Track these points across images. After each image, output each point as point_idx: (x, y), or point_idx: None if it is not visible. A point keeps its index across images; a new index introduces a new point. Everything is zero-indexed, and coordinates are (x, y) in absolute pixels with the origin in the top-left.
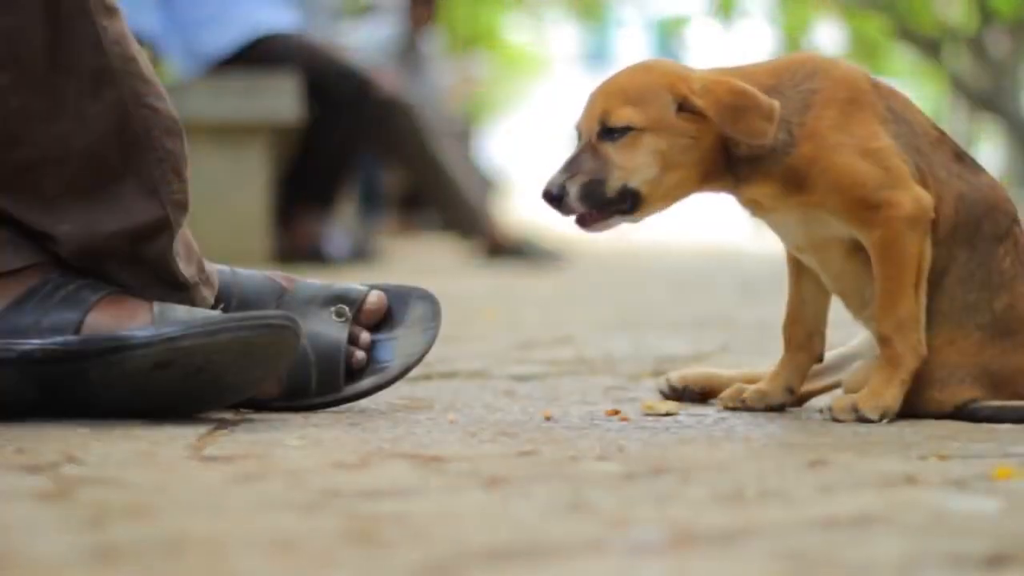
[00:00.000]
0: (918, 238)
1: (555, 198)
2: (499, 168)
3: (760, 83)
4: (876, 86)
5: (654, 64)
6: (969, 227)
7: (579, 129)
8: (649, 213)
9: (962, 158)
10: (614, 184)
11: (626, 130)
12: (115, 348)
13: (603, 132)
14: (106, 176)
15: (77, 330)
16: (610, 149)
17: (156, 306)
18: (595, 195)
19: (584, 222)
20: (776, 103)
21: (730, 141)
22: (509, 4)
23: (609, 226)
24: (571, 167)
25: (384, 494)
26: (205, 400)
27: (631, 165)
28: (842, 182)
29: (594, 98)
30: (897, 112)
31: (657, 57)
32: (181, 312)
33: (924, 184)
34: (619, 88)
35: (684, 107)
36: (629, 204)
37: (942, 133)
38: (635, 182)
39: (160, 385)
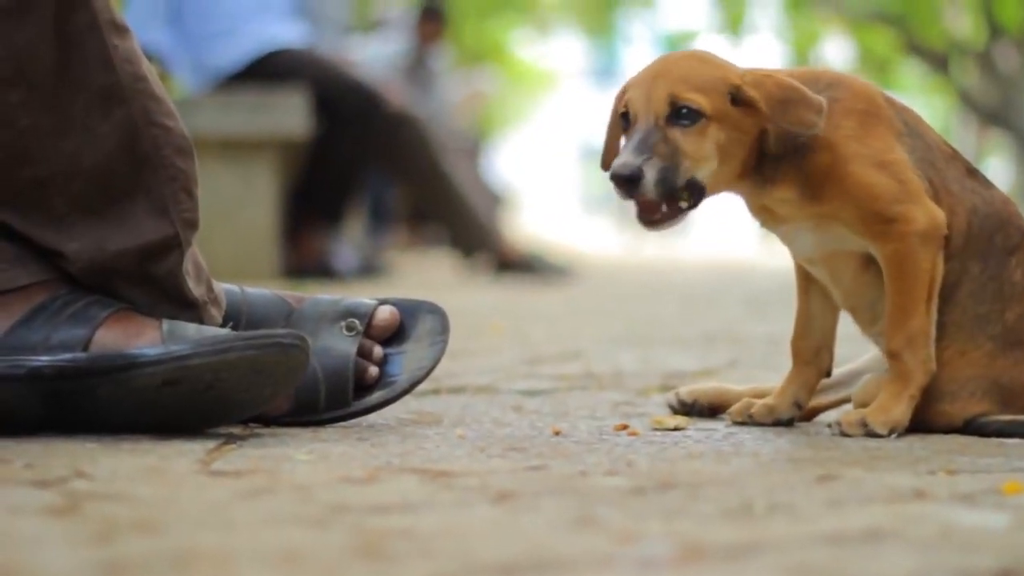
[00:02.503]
0: (931, 254)
1: (631, 179)
2: (507, 183)
3: None
4: (890, 101)
5: (703, 54)
6: (982, 240)
7: (635, 112)
8: (701, 206)
9: (974, 174)
10: (684, 174)
11: (698, 116)
12: (124, 366)
13: (673, 115)
14: (116, 194)
15: (86, 347)
16: (679, 135)
17: (165, 323)
18: (668, 182)
19: (654, 218)
20: (822, 98)
21: (763, 138)
22: (517, 19)
23: (674, 223)
24: (643, 148)
25: (392, 509)
26: (213, 416)
27: (699, 155)
28: (857, 193)
29: (655, 81)
30: (912, 126)
31: (695, 48)
32: (190, 330)
33: (937, 198)
34: (683, 74)
35: (737, 98)
36: (694, 197)
37: (954, 150)
38: (701, 174)
39: (168, 402)
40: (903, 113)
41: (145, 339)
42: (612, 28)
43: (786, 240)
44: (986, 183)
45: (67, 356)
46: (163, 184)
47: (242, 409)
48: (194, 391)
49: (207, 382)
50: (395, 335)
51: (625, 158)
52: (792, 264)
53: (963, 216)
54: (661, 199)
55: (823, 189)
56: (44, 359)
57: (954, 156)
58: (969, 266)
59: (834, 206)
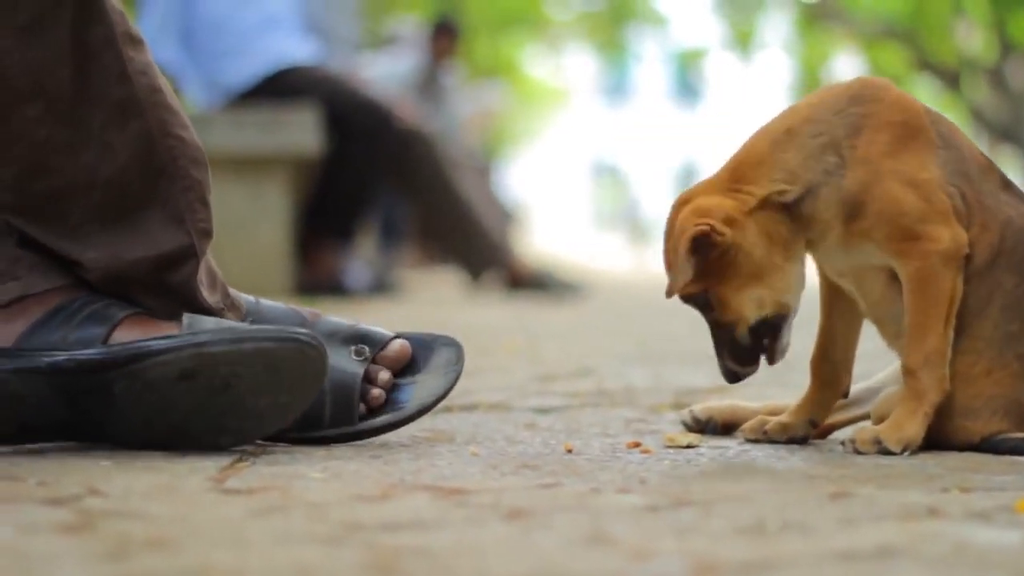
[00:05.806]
0: (952, 274)
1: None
2: (518, 200)
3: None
4: (927, 110)
5: (694, 212)
6: (1016, 254)
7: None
8: None
9: (1009, 187)
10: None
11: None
12: (141, 354)
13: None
14: (132, 204)
15: (104, 344)
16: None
17: (186, 318)
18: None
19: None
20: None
21: (797, 204)
22: (529, 37)
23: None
24: (743, 357)
25: (405, 527)
26: (229, 425)
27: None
28: (888, 210)
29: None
30: (947, 138)
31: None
32: (209, 323)
33: (970, 210)
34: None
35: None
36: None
37: (990, 162)
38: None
39: (185, 401)
40: (938, 124)
41: (163, 334)
42: (623, 45)
43: (815, 256)
44: (1021, 197)
45: (85, 351)
46: (179, 194)
47: (259, 421)
48: (210, 387)
49: (223, 377)
50: (408, 366)
51: (732, 367)
52: (817, 281)
53: (995, 229)
54: None
55: (862, 207)
56: (63, 354)
57: (989, 168)
58: (1003, 280)
59: (868, 223)
